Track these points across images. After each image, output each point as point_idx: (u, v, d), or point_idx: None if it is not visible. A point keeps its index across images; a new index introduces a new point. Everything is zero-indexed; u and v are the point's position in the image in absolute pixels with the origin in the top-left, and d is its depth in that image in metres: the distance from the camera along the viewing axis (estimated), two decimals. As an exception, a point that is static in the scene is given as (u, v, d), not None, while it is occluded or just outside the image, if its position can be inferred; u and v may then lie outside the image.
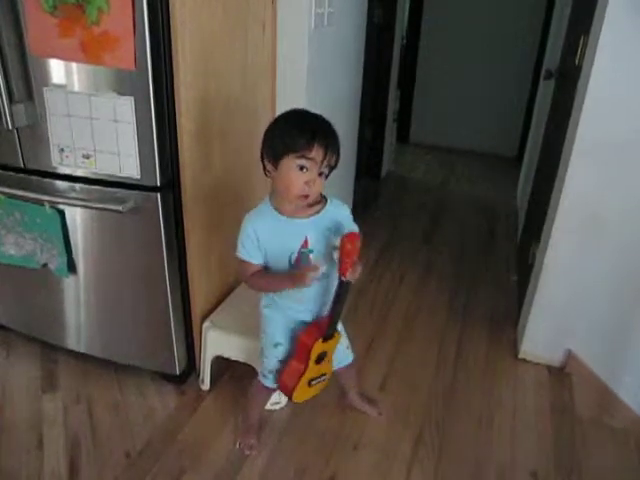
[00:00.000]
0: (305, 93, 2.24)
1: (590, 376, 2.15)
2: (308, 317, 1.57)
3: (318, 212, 1.44)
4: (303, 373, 1.56)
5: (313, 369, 1.57)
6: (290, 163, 1.32)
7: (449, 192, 4.37)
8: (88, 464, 1.74)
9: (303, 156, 1.31)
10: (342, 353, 1.73)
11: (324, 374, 1.65)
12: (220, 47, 1.81)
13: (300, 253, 1.43)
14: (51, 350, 2.21)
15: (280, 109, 2.23)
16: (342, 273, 1.38)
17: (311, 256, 1.43)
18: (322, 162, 1.32)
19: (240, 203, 2.14)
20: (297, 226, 1.43)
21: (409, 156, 5.21)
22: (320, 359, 1.57)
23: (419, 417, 1.98)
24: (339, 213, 1.48)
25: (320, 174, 1.35)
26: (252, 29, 1.99)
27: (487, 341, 2.43)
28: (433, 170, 4.85)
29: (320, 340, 1.52)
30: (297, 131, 1.32)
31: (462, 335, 2.46)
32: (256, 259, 1.47)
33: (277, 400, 1.95)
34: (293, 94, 2.23)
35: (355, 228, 1.49)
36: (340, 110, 2.83)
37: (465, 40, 4.93)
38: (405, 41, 5.08)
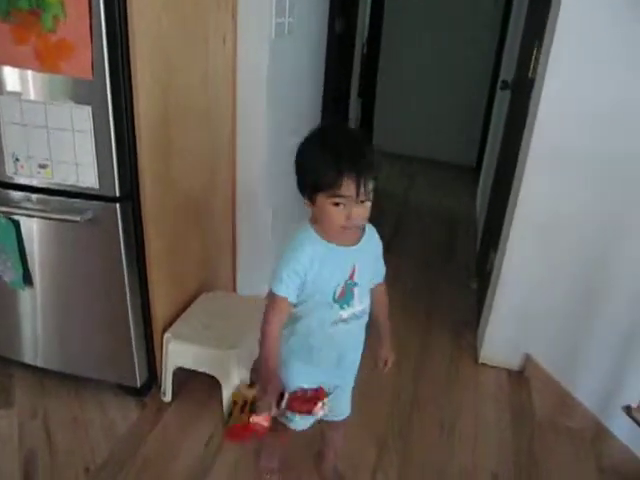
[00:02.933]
0: (265, 103, 2.23)
1: (548, 379, 2.20)
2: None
3: (360, 238, 1.30)
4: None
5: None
6: (323, 200, 1.18)
7: (410, 200, 4.44)
8: (45, 481, 1.70)
9: (334, 194, 1.15)
10: (346, 404, 1.55)
11: None
12: (180, 58, 1.80)
13: (346, 285, 1.28)
14: (6, 364, 2.14)
15: (240, 120, 2.25)
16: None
17: (355, 290, 1.29)
18: (357, 194, 1.15)
19: (201, 214, 2.13)
20: (346, 254, 1.27)
21: (371, 165, 5.26)
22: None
23: (382, 424, 1.99)
24: (375, 239, 1.37)
25: (362, 202, 1.18)
26: (212, 39, 1.99)
27: (448, 347, 2.47)
28: (394, 178, 4.90)
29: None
30: (322, 165, 1.15)
31: (424, 341, 2.50)
32: (292, 297, 1.27)
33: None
34: (253, 105, 2.23)
35: (382, 269, 1.48)
36: (301, 118, 2.84)
37: (424, 50, 5.02)
38: (365, 50, 5.14)
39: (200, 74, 1.95)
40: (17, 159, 1.67)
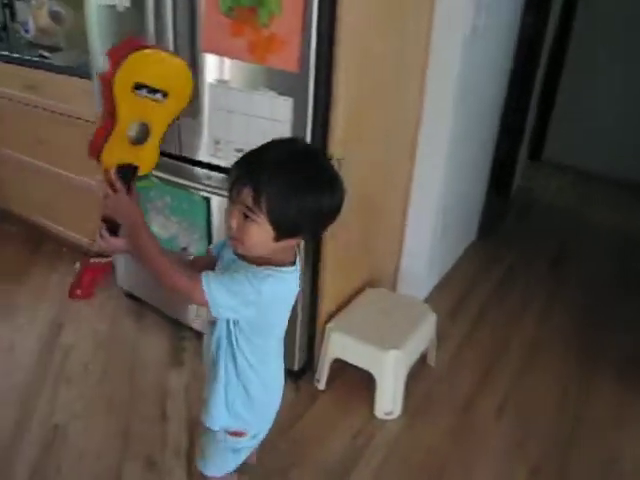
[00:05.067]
0: (452, 102, 2.20)
1: None
2: None
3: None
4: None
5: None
6: None
7: (582, 217, 4.11)
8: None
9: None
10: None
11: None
12: (377, 54, 1.81)
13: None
14: (178, 328, 2.33)
15: (425, 118, 2.23)
16: None
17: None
18: (230, 194, 1.03)
19: (376, 208, 2.15)
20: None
21: (541, 175, 4.96)
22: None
23: (535, 451, 1.88)
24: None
25: (246, 217, 1.00)
26: (408, 34, 1.99)
27: (616, 384, 2.26)
28: (566, 192, 4.59)
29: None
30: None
31: (588, 373, 2.30)
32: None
33: (390, 410, 1.94)
34: (440, 102, 2.21)
35: None
36: (480, 122, 2.76)
37: (621, 54, 4.60)
38: (550, 52, 4.84)
39: (393, 69, 1.95)
40: (217, 142, 1.80)
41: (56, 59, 2.35)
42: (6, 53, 2.56)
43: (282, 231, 1.01)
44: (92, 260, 1.25)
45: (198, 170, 1.89)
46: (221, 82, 1.73)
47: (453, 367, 2.26)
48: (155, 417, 1.91)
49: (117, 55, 1.09)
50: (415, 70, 2.13)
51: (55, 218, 2.78)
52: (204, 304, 1.03)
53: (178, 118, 1.22)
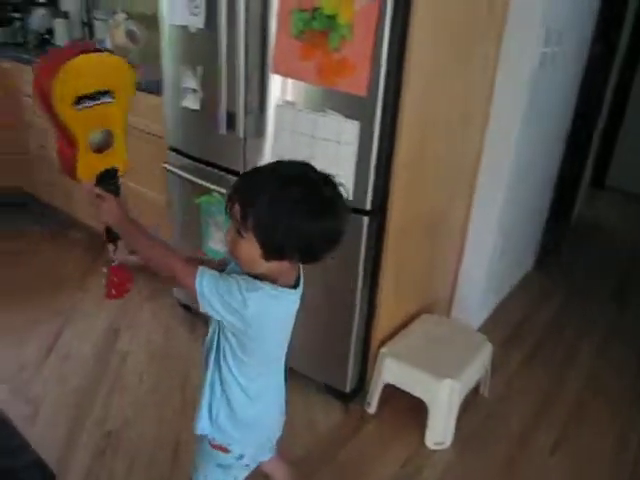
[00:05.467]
0: (516, 130, 2.16)
1: None
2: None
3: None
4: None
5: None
6: None
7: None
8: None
9: None
10: None
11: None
12: (443, 79, 1.81)
13: None
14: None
15: (488, 145, 2.20)
16: None
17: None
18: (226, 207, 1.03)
19: (434, 234, 2.13)
20: None
21: (603, 203, 4.81)
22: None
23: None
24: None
25: (239, 232, 1.01)
26: (473, 62, 1.97)
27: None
28: (630, 221, 4.43)
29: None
30: None
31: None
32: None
33: (441, 440, 1.90)
34: (504, 132, 2.17)
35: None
36: (544, 149, 2.70)
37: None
38: (617, 80, 4.71)
39: (458, 97, 1.94)
40: (282, 162, 1.82)
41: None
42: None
43: (269, 250, 1.00)
44: (114, 263, 1.30)
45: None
46: (288, 103, 1.76)
47: (506, 399, 2.20)
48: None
49: (45, 74, 1.04)
50: (480, 99, 2.11)
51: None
52: (193, 292, 1.04)
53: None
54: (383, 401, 2.04)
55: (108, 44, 2.68)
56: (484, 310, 2.65)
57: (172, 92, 2.13)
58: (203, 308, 1.05)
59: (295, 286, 1.11)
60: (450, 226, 2.24)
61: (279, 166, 1.05)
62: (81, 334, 2.39)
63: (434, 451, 1.91)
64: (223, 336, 1.12)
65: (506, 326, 2.68)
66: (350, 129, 1.64)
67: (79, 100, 1.06)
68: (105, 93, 1.09)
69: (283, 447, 1.88)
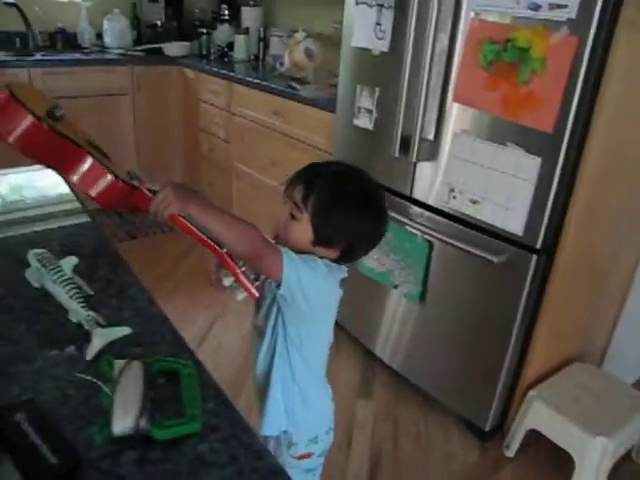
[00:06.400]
0: None
1: None
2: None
3: None
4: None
5: None
6: None
7: None
8: (385, 480, 1.83)
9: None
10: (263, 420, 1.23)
11: None
12: (632, 118, 1.71)
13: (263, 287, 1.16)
14: (370, 359, 2.38)
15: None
16: None
17: (263, 303, 1.16)
18: (286, 191, 1.07)
19: (598, 281, 2.01)
20: None
21: None
22: None
23: None
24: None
25: (292, 216, 1.05)
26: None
27: None
28: None
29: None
30: None
31: None
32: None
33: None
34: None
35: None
36: None
37: None
38: None
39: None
40: (452, 190, 1.82)
41: (303, 91, 2.57)
42: (261, 82, 2.85)
43: (320, 236, 1.03)
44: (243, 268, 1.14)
45: (426, 213, 1.93)
46: (466, 132, 1.76)
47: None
48: (341, 444, 1.96)
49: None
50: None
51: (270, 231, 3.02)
52: (277, 273, 0.99)
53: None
54: (526, 446, 1.96)
55: (286, 60, 2.83)
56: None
57: (345, 110, 2.21)
58: (286, 286, 1.01)
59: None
60: (617, 272, 2.11)
61: (343, 165, 1.11)
62: (231, 329, 2.54)
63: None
64: (290, 326, 1.11)
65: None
66: (530, 164, 1.60)
67: (50, 115, 1.01)
68: (55, 109, 1.03)
69: (417, 473, 1.88)
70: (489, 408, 1.92)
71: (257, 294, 1.00)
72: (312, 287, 1.03)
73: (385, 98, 2.02)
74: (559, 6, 1.48)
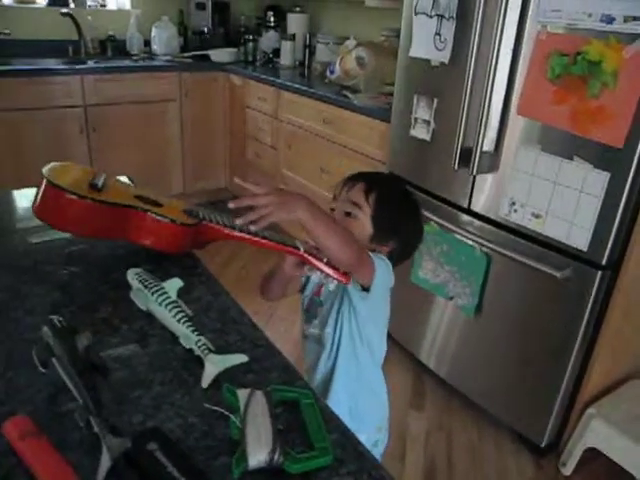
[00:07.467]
0: None
1: None
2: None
3: None
4: None
5: None
6: None
7: None
8: (443, 495, 1.82)
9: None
10: None
11: None
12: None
13: (312, 299, 1.21)
14: (421, 370, 2.37)
15: None
16: None
17: (319, 311, 1.18)
18: (340, 191, 1.13)
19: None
20: None
21: None
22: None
23: None
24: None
25: (347, 214, 1.09)
26: None
27: None
28: None
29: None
30: None
31: None
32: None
33: None
34: None
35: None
36: None
37: None
38: None
39: None
40: (513, 203, 1.80)
41: (356, 100, 2.57)
42: (309, 89, 2.87)
43: (380, 230, 1.09)
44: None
45: (484, 226, 1.92)
46: (529, 145, 1.74)
47: None
48: (394, 455, 1.96)
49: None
50: None
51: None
52: (370, 276, 1.01)
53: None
54: (583, 463, 1.92)
55: (337, 68, 2.84)
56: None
57: (401, 120, 2.20)
58: (375, 287, 1.03)
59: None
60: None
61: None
62: (281, 335, 2.55)
63: None
64: (364, 326, 1.13)
65: None
66: (598, 180, 1.58)
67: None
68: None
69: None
70: (546, 424, 1.90)
71: (349, 279, 1.00)
72: (387, 283, 1.08)
73: (443, 109, 2.01)
74: (635, 18, 1.46)
